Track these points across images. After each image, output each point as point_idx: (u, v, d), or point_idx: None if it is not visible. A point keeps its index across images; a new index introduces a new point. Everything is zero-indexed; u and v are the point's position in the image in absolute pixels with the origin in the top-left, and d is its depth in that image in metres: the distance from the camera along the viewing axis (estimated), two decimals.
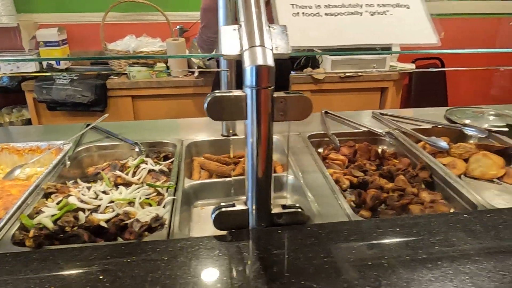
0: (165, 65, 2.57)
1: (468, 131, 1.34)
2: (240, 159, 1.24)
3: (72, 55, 2.82)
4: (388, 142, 1.35)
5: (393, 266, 0.63)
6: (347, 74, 2.58)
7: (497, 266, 0.64)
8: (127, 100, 2.52)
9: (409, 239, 0.70)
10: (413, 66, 2.87)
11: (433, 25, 0.73)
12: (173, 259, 0.66)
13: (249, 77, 0.64)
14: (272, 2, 0.72)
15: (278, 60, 0.65)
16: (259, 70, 0.63)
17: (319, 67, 2.68)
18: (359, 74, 2.59)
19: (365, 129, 1.39)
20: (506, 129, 1.34)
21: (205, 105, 0.66)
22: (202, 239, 0.72)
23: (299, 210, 0.76)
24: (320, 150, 1.35)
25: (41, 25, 2.81)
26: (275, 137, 1.31)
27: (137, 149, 1.24)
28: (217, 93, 0.66)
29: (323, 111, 1.55)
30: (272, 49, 0.66)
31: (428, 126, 1.42)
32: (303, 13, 0.72)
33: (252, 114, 0.66)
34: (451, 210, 0.98)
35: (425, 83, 3.16)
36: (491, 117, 1.48)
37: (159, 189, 1.03)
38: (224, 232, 0.74)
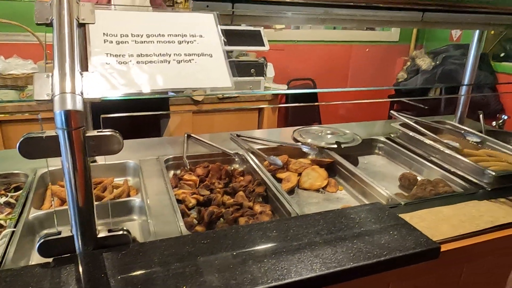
0: None
1: (304, 149, 1.58)
2: (97, 185, 1.30)
3: None
4: (238, 161, 1.52)
5: (193, 274, 0.77)
6: (224, 95, 2.77)
7: (276, 263, 0.81)
8: None
9: (213, 248, 0.85)
10: (285, 87, 3.19)
11: (230, 71, 0.90)
12: None
13: (59, 120, 0.73)
14: (88, 51, 0.82)
15: None
16: (68, 114, 0.72)
17: (191, 90, 2.83)
18: (236, 95, 2.80)
19: (220, 150, 1.55)
20: (335, 146, 1.62)
21: (17, 145, 0.72)
22: (25, 268, 0.77)
23: (125, 232, 0.86)
24: (178, 171, 1.47)
25: None
26: (132, 162, 1.40)
27: None
28: (30, 134, 0.73)
29: (186, 134, 1.67)
30: (82, 95, 0.75)
31: (275, 145, 1.64)
32: (117, 61, 0.83)
33: (66, 152, 0.75)
34: (277, 218, 1.17)
35: (300, 103, 3.51)
36: (328, 136, 1.75)
37: (2, 222, 1.04)
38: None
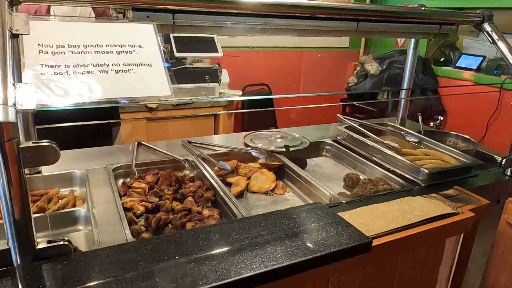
0: None
1: (253, 153, 1.62)
2: (40, 197, 1.27)
3: None
4: (188, 167, 1.54)
5: (134, 280, 0.78)
6: (179, 101, 2.77)
7: (216, 265, 0.84)
8: None
9: (156, 253, 0.87)
10: (240, 92, 3.24)
11: (170, 80, 0.92)
12: None
13: None
14: (22, 62, 0.82)
15: None
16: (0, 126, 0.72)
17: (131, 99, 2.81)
18: (191, 101, 2.81)
19: (170, 157, 1.56)
20: (283, 149, 1.68)
21: None
22: None
23: (65, 243, 0.86)
24: (128, 180, 1.46)
25: None
26: (78, 172, 1.38)
27: None
28: None
29: (136, 142, 1.67)
30: (15, 106, 0.75)
31: (226, 150, 1.67)
32: (52, 72, 0.83)
33: None
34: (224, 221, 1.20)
35: (256, 107, 3.57)
36: (278, 140, 1.81)
37: None
38: None
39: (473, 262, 1.49)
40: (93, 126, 2.02)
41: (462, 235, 1.28)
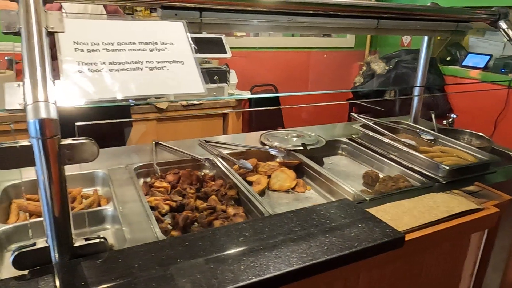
0: None
1: (272, 152, 1.62)
2: None
3: None
4: (208, 166, 1.54)
5: (174, 276, 0.78)
6: (188, 102, 2.78)
7: (254, 261, 0.84)
8: None
9: (192, 250, 0.87)
10: (248, 93, 3.25)
11: (202, 77, 0.92)
12: None
13: (33, 129, 0.72)
14: (58, 58, 0.82)
15: None
16: (42, 123, 0.72)
17: (163, 96, 2.81)
18: (200, 102, 2.81)
19: (190, 156, 1.56)
20: (301, 148, 1.68)
21: None
22: None
23: (102, 240, 0.86)
24: (148, 179, 1.46)
25: None
26: (101, 172, 1.38)
27: None
28: (3, 143, 0.72)
29: (154, 142, 1.67)
30: (55, 103, 0.75)
31: (244, 149, 1.67)
32: (88, 69, 0.83)
33: (40, 162, 0.74)
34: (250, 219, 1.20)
35: (263, 107, 3.58)
36: (294, 139, 1.81)
37: None
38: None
39: (492, 258, 1.49)
40: (107, 126, 2.03)
41: (486, 230, 1.28)
